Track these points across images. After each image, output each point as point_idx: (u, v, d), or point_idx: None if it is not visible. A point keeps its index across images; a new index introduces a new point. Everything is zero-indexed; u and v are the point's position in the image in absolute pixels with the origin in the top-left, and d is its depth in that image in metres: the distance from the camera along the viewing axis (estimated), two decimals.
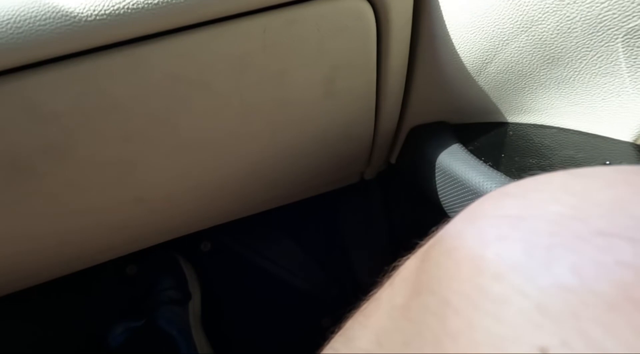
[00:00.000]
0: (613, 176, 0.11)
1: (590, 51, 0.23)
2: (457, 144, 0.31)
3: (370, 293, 0.17)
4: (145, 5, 0.21)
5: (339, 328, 0.18)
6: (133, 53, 0.23)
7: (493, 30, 0.25)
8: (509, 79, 0.27)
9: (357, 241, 0.57)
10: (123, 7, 0.21)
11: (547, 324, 0.09)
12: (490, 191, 0.26)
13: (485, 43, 0.26)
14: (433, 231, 0.15)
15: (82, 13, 0.21)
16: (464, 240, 0.11)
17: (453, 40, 0.28)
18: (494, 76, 0.28)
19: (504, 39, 0.25)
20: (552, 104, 0.27)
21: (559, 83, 0.25)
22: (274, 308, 0.56)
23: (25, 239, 0.29)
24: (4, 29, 0.20)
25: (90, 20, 0.21)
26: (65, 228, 0.30)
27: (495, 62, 0.27)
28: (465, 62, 0.28)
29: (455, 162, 0.29)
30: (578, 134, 0.26)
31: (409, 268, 0.14)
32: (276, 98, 0.28)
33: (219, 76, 0.25)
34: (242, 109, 0.28)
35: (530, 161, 0.27)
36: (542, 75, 0.26)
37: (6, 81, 0.21)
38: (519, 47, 0.25)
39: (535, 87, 0.27)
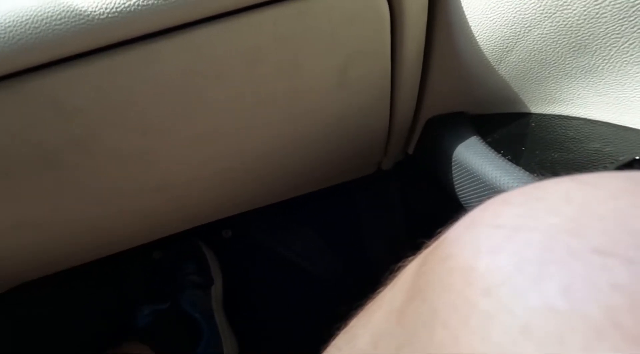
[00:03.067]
0: (619, 186, 0.10)
1: (621, 37, 0.21)
2: (475, 136, 0.30)
3: (376, 292, 0.17)
4: (156, 2, 0.22)
5: (344, 326, 0.18)
6: (147, 49, 0.23)
7: (514, 16, 0.24)
8: (531, 68, 0.26)
9: (375, 231, 0.56)
10: (134, 5, 0.21)
11: (530, 348, 0.08)
12: (508, 186, 0.25)
13: (506, 30, 0.25)
14: (441, 230, 0.15)
15: (94, 12, 0.21)
16: (459, 248, 0.11)
17: (472, 27, 0.26)
18: (515, 65, 0.26)
19: (526, 26, 0.24)
20: (578, 94, 0.25)
21: (585, 72, 0.24)
22: (292, 294, 0.57)
23: (57, 226, 0.31)
24: (23, 30, 0.21)
25: (103, 19, 0.21)
26: (92, 216, 0.31)
27: (517, 50, 0.25)
28: (484, 50, 0.27)
29: (472, 155, 0.28)
30: (606, 125, 0.25)
31: (409, 271, 0.14)
32: (289, 89, 0.28)
33: (232, 69, 0.25)
34: (256, 100, 0.28)
35: (553, 154, 0.26)
36: (568, 64, 0.24)
37: (30, 79, 0.22)
38: (542, 34, 0.24)
39: (559, 77, 0.25)
